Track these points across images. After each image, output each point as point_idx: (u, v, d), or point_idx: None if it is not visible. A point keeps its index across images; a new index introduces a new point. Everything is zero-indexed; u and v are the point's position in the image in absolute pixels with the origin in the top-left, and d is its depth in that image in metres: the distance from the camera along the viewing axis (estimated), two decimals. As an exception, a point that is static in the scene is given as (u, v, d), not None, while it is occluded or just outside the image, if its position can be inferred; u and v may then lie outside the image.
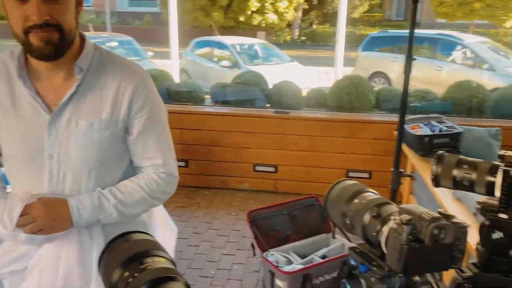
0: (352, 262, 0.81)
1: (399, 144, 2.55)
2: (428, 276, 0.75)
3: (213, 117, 4.17)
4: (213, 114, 4.22)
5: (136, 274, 0.56)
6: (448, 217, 0.70)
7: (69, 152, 1.11)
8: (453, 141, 3.06)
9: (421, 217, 0.69)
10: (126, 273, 0.57)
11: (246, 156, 4.26)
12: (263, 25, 15.20)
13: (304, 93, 4.58)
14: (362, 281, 0.77)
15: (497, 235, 0.97)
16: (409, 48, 2.41)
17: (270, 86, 4.67)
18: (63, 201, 1.08)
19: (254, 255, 2.75)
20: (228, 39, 9.62)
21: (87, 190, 1.13)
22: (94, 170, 1.13)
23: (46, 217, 1.04)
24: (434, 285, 0.75)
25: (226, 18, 14.78)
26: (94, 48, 1.16)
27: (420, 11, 20.17)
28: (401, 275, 0.75)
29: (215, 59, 8.97)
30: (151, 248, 0.61)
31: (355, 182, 0.89)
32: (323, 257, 2.83)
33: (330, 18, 18.82)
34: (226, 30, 15.20)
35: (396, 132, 3.64)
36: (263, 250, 2.87)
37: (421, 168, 2.87)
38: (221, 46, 9.11)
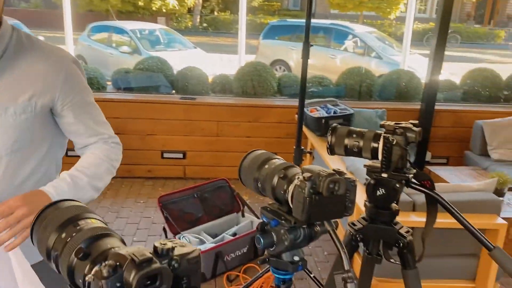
0: (264, 219, 0.93)
1: (300, 125, 2.76)
2: (326, 225, 0.89)
3: (116, 104, 4.07)
4: (116, 101, 4.11)
5: (73, 234, 0.60)
6: (340, 173, 0.85)
7: None
8: (346, 122, 3.38)
9: (319, 174, 0.82)
10: (63, 235, 0.61)
11: (153, 143, 4.23)
12: (164, 10, 14.86)
13: (210, 79, 4.65)
14: (273, 234, 0.89)
15: (380, 191, 1.16)
16: (306, 35, 2.60)
17: (175, 72, 4.66)
18: (39, 191, 1.04)
19: (166, 238, 2.79)
20: (128, 24, 9.27)
21: (5, 174, 1.09)
22: (5, 157, 1.10)
23: (28, 206, 0.98)
24: (331, 232, 0.90)
25: (124, 2, 14.18)
26: (11, 30, 1.11)
27: (315, 1, 21.29)
28: (305, 226, 0.89)
29: (114, 44, 8.60)
30: (83, 211, 0.66)
31: (264, 151, 1.01)
32: (234, 234, 2.98)
33: (230, 5, 18.98)
34: (124, 15, 14.60)
35: (296, 116, 3.90)
36: (175, 233, 2.93)
37: (319, 146, 3.13)
38: (120, 31, 8.74)
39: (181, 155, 4.28)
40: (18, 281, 1.06)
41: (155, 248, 0.55)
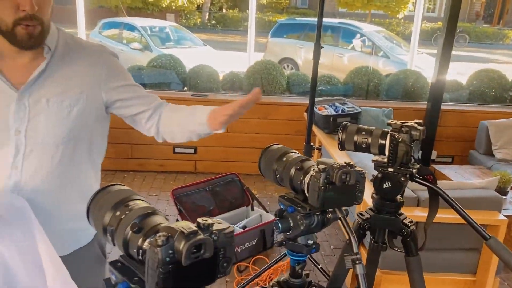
0: (282, 206, 1.04)
1: (310, 122, 2.85)
2: (338, 212, 1.00)
3: (130, 100, 4.19)
4: (130, 97, 4.23)
5: (126, 212, 0.71)
6: (351, 166, 0.95)
7: (38, 128, 1.16)
8: (353, 120, 3.48)
9: (333, 165, 0.93)
10: (117, 213, 0.72)
11: (165, 138, 4.35)
12: (173, 7, 14.98)
13: (220, 76, 4.76)
14: (290, 220, 1.00)
15: (386, 184, 1.27)
16: (318, 36, 2.69)
17: (187, 70, 4.78)
18: None
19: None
20: (138, 21, 9.39)
21: (52, 164, 1.19)
22: (61, 145, 1.19)
23: None
24: (342, 219, 1.01)
25: (131, -2, 14.32)
26: (57, 30, 1.21)
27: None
28: (318, 213, 1.00)
29: (124, 41, 8.73)
30: (131, 194, 0.77)
31: (281, 145, 1.12)
32: (244, 227, 3.09)
33: (239, 3, 19.07)
34: (134, 11, 14.73)
35: (305, 113, 4.00)
36: (188, 224, 3.04)
37: (327, 143, 3.23)
38: (131, 28, 8.86)
39: (192, 150, 4.40)
40: (46, 273, 1.13)
41: (198, 223, 0.66)
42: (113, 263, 0.73)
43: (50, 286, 1.13)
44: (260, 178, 4.40)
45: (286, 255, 2.30)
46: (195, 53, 7.95)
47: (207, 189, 3.24)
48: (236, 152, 4.39)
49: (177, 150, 4.39)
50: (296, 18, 11.91)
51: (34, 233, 1.12)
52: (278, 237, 3.09)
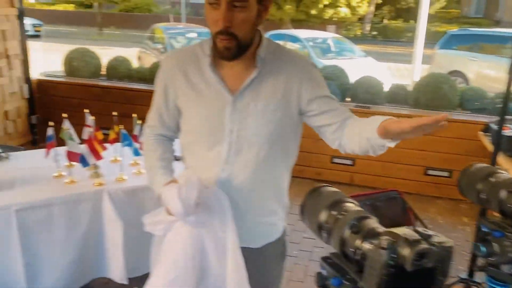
0: (485, 229, 0.97)
1: (497, 143, 2.61)
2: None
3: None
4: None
5: (343, 213, 0.76)
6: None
7: (247, 129, 1.30)
8: (545, 144, 3.04)
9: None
10: (334, 212, 0.77)
11: (324, 147, 4.38)
12: (335, 18, 15.14)
13: (385, 88, 4.64)
14: (495, 244, 0.93)
15: None
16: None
17: (350, 80, 4.78)
18: None
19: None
20: (302, 33, 9.75)
21: (257, 162, 1.32)
22: (266, 144, 1.32)
23: None
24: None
25: (297, 11, 14.89)
26: (267, 40, 1.36)
27: (503, 8, 19.04)
28: (532, 242, 0.91)
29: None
30: (343, 196, 0.82)
31: (486, 164, 1.04)
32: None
33: (403, 13, 18.33)
34: (296, 23, 15.32)
35: (481, 133, 3.65)
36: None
37: (510, 167, 2.89)
38: (294, 39, 9.25)
39: (350, 162, 4.38)
40: (229, 265, 1.25)
41: (418, 232, 0.67)
42: (325, 259, 0.78)
43: (229, 277, 1.25)
44: (420, 198, 4.14)
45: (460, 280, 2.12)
46: (356, 64, 7.91)
47: (367, 203, 3.18)
48: (396, 168, 4.22)
49: (335, 160, 4.42)
50: (469, 29, 10.93)
51: (228, 226, 1.26)
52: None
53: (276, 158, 1.36)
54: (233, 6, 1.16)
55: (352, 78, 4.78)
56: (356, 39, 15.56)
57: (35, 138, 5.02)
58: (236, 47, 1.23)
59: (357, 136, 1.30)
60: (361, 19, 17.57)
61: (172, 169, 1.43)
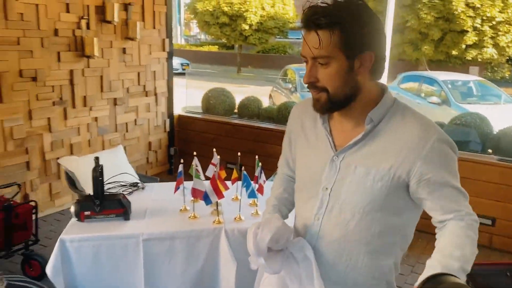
0: None
1: None
2: None
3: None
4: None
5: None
6: None
7: (341, 190, 1.22)
8: None
9: None
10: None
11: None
12: (479, 59, 13.94)
13: (537, 141, 4.06)
14: None
15: None
16: None
17: (493, 130, 4.30)
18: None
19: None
20: (440, 75, 9.18)
21: (346, 229, 1.22)
22: (357, 214, 1.20)
23: None
24: None
25: (436, 52, 14.09)
26: (392, 102, 1.23)
27: None
28: None
29: (423, 94, 8.67)
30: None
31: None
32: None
33: None
34: (434, 64, 14.48)
35: None
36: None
37: None
38: (430, 81, 8.75)
39: (489, 221, 3.87)
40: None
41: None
42: None
43: None
44: None
45: None
46: (502, 111, 7.13)
47: (507, 274, 2.75)
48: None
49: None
50: None
51: (314, 278, 1.24)
52: None
53: (374, 234, 1.22)
54: (319, 62, 1.17)
55: (496, 126, 4.30)
56: (503, 82, 14.08)
57: (171, 168, 5.52)
58: (327, 100, 1.19)
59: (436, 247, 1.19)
60: (510, 60, 15.86)
61: (283, 210, 1.47)
